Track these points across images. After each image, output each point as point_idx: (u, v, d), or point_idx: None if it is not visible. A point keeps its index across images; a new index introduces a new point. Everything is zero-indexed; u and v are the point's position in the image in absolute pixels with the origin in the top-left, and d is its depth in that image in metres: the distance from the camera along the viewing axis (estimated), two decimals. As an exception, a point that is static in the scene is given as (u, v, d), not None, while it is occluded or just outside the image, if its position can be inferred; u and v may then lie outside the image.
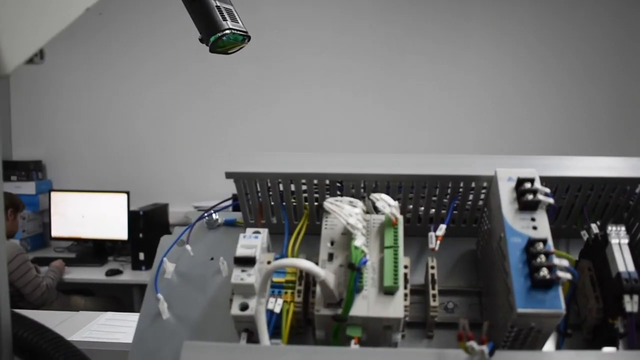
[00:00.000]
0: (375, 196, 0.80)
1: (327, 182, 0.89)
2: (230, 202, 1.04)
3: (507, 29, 4.07)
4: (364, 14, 4.16)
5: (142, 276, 3.64)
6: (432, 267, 0.83)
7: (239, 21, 1.28)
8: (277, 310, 0.78)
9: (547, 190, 0.75)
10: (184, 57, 4.12)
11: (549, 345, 0.77)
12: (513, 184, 0.78)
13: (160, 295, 0.94)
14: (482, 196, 0.88)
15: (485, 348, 0.61)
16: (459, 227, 0.94)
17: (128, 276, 3.71)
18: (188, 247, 1.00)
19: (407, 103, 4.19)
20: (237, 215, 1.04)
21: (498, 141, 4.09)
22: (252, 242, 0.81)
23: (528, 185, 0.76)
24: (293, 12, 4.21)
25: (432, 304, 0.80)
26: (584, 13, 4.00)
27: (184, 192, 4.18)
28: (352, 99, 4.21)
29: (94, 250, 4.11)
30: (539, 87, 4.09)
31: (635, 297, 0.71)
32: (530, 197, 0.74)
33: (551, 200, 0.74)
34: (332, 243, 0.79)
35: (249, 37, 1.29)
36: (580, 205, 0.88)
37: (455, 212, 0.91)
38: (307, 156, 0.88)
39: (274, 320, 0.78)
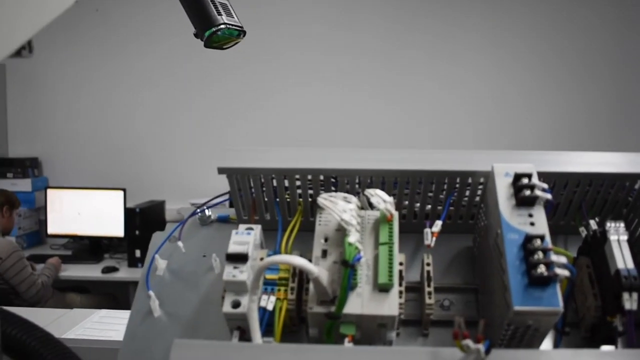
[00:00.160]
0: (369, 192, 0.78)
1: (321, 177, 0.88)
2: (224, 197, 1.03)
3: (507, 25, 4.05)
4: (362, 10, 4.14)
5: (138, 273, 3.57)
6: (428, 264, 0.82)
7: (234, 16, 1.27)
8: (270, 307, 0.77)
9: (545, 185, 0.74)
10: (181, 55, 4.10)
11: (547, 343, 0.76)
12: (510, 179, 0.76)
13: (151, 293, 0.93)
14: (479, 192, 0.87)
15: (481, 347, 0.60)
16: (455, 224, 0.93)
17: (124, 273, 3.69)
18: (180, 243, 0.99)
19: (406, 99, 4.17)
20: (231, 212, 1.03)
21: (497, 137, 4.08)
22: (245, 238, 0.80)
23: (525, 180, 0.74)
24: (291, 8, 4.19)
25: (428, 301, 0.79)
26: (582, 8, 3.99)
27: (180, 189, 4.16)
28: (351, 96, 4.19)
29: (90, 248, 4.08)
30: (538, 83, 4.07)
31: (635, 295, 0.70)
32: (527, 192, 0.73)
33: (549, 196, 0.73)
34: (325, 239, 0.78)
35: (244, 32, 1.28)
36: (578, 201, 0.87)
37: (451, 208, 0.90)
38: (300, 151, 0.87)
39: (267, 318, 0.77)
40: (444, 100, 4.15)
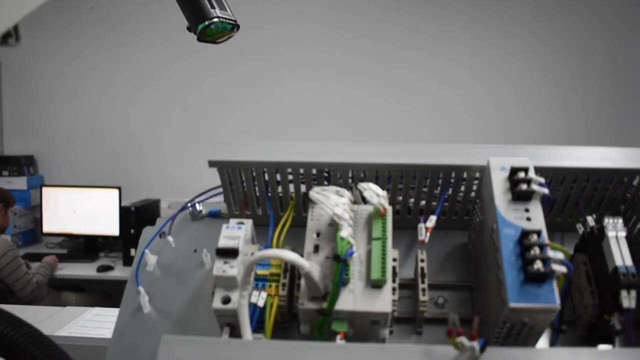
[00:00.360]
0: (362, 185, 0.76)
1: (314, 171, 0.86)
2: (215, 191, 1.01)
3: (505, 24, 4.05)
4: (358, 7, 4.13)
5: (133, 272, 3.60)
6: (422, 261, 0.80)
7: (228, 9, 1.25)
8: (261, 304, 0.76)
9: (542, 180, 0.72)
10: (177, 53, 4.09)
11: (543, 342, 0.74)
12: (506, 173, 0.75)
13: (141, 288, 0.91)
14: (474, 187, 0.85)
15: (475, 344, 0.58)
16: (450, 220, 0.91)
17: (119, 272, 3.67)
18: (170, 238, 0.98)
19: (404, 97, 4.16)
20: (223, 207, 1.01)
21: (496, 136, 4.06)
22: (235, 233, 0.78)
23: (522, 174, 0.73)
24: (288, 7, 4.17)
25: (422, 298, 0.78)
26: (580, 4, 3.98)
27: (175, 187, 4.13)
28: (348, 94, 4.17)
29: (85, 246, 4.07)
30: (537, 81, 4.06)
31: (633, 293, 0.68)
32: (524, 186, 0.71)
33: (546, 191, 0.71)
34: (318, 234, 0.77)
35: (238, 26, 1.27)
36: (575, 197, 0.86)
37: (446, 203, 0.89)
38: (293, 144, 0.86)
39: (258, 315, 0.75)
40: (443, 99, 4.14)
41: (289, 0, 4.19)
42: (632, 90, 4.01)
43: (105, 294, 3.75)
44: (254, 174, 0.87)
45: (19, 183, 4.18)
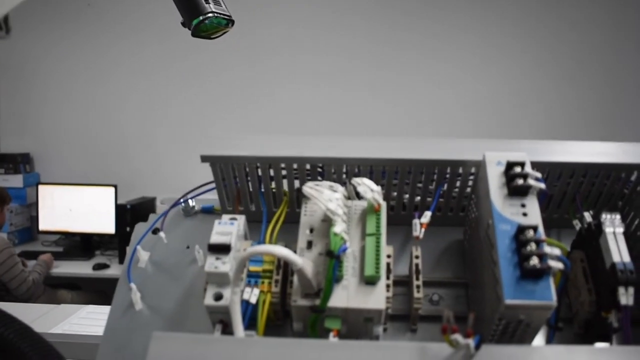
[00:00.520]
0: (356, 180, 0.75)
1: (308, 166, 0.85)
2: (207, 187, 1.00)
3: (500, 23, 4.04)
4: (357, 8, 4.12)
5: (129, 270, 3.59)
6: (417, 257, 0.79)
7: (222, 4, 1.25)
8: (253, 300, 0.75)
9: (539, 174, 0.71)
10: (173, 50, 4.07)
11: (539, 339, 0.73)
12: (502, 168, 0.73)
13: (133, 285, 0.90)
14: (470, 183, 0.84)
15: (471, 342, 0.57)
16: (445, 216, 0.90)
17: (115, 270, 3.65)
18: (162, 234, 0.97)
19: (402, 96, 4.15)
20: (216, 202, 1.00)
21: (496, 135, 4.06)
22: (228, 228, 0.77)
23: (518, 169, 0.72)
24: (284, 8, 4.16)
25: (416, 295, 0.77)
26: (574, 2, 3.98)
27: (171, 185, 4.11)
28: (347, 94, 4.16)
29: (81, 244, 4.06)
30: (532, 80, 4.06)
31: (631, 290, 0.67)
32: (520, 181, 0.70)
33: (542, 186, 0.70)
34: (311, 230, 0.76)
35: (232, 22, 1.26)
36: (572, 193, 0.85)
37: (441, 199, 0.87)
38: (286, 139, 0.84)
39: (250, 312, 0.74)
40: (441, 98, 4.13)
41: (287, 1, 4.17)
42: (627, 87, 4.01)
43: (101, 292, 3.74)
44: (247, 169, 0.86)
45: (15, 181, 4.17)
